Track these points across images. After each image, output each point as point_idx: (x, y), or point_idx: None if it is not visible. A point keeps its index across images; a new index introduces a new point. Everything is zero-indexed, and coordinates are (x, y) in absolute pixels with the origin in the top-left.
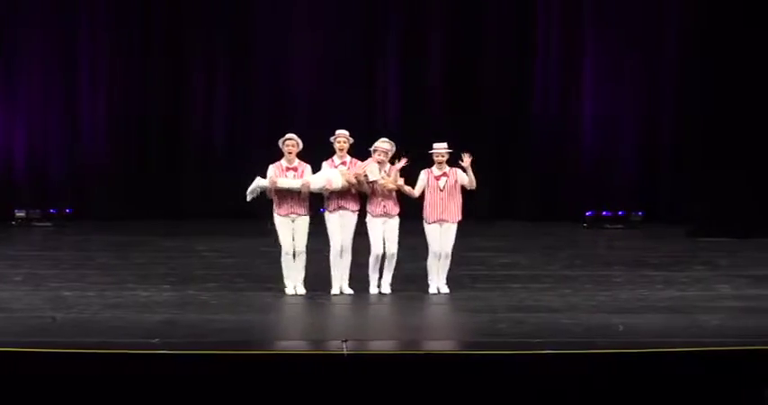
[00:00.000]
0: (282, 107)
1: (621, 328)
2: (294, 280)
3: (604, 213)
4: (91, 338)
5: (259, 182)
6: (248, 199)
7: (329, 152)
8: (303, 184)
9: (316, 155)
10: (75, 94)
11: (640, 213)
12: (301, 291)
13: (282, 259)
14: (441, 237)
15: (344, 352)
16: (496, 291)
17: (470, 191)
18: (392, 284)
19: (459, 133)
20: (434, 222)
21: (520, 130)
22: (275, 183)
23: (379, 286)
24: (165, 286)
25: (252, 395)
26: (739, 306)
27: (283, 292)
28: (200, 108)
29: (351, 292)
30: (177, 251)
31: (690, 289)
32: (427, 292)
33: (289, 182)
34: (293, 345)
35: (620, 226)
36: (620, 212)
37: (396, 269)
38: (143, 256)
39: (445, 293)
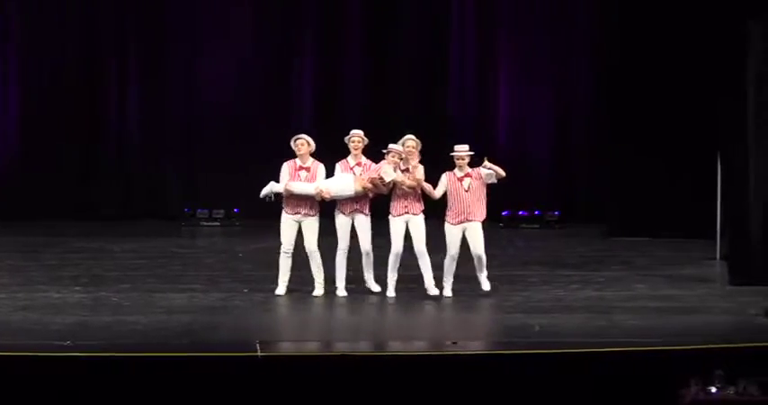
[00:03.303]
0: (197, 107)
1: (538, 328)
2: (285, 281)
3: (520, 213)
4: (1, 340)
5: (273, 186)
6: (261, 197)
7: (255, 152)
8: (317, 193)
9: (231, 153)
10: None
11: (556, 213)
12: (319, 292)
13: (280, 258)
14: (468, 239)
15: (258, 354)
16: (414, 291)
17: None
18: (436, 284)
19: (376, 133)
20: (459, 224)
21: (436, 130)
22: (290, 190)
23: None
24: (77, 288)
25: (165, 398)
26: (656, 306)
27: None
28: (113, 108)
29: (378, 289)
30: (89, 252)
31: (607, 289)
32: (443, 294)
33: (303, 187)
34: (208, 347)
35: (536, 225)
36: (536, 212)
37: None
38: (54, 258)
39: (487, 291)
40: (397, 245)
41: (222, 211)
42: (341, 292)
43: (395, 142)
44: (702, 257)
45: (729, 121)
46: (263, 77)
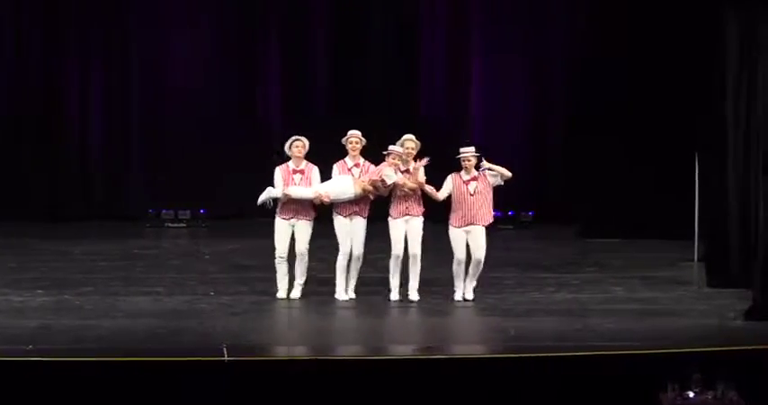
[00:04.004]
0: (159, 106)
1: (513, 332)
2: (284, 285)
3: (494, 214)
4: None
5: (270, 192)
6: (258, 204)
7: (218, 151)
8: (317, 197)
9: (197, 154)
10: None
11: (530, 213)
12: (296, 295)
13: (276, 263)
14: (470, 242)
15: (225, 358)
16: (384, 294)
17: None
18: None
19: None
20: (462, 227)
21: (407, 131)
22: (288, 195)
23: (407, 294)
24: (40, 291)
25: (130, 403)
26: (632, 309)
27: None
28: (74, 108)
29: (353, 296)
30: (51, 254)
31: (582, 291)
32: (453, 298)
33: (302, 191)
34: (173, 351)
35: (509, 226)
36: (509, 213)
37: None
38: (15, 260)
39: (470, 300)
40: (397, 247)
41: (188, 212)
42: (340, 295)
43: (389, 143)
44: (680, 259)
45: (708, 121)
46: (230, 77)
